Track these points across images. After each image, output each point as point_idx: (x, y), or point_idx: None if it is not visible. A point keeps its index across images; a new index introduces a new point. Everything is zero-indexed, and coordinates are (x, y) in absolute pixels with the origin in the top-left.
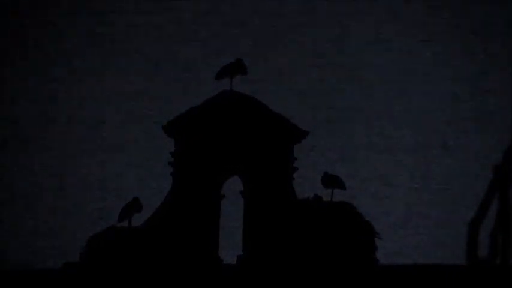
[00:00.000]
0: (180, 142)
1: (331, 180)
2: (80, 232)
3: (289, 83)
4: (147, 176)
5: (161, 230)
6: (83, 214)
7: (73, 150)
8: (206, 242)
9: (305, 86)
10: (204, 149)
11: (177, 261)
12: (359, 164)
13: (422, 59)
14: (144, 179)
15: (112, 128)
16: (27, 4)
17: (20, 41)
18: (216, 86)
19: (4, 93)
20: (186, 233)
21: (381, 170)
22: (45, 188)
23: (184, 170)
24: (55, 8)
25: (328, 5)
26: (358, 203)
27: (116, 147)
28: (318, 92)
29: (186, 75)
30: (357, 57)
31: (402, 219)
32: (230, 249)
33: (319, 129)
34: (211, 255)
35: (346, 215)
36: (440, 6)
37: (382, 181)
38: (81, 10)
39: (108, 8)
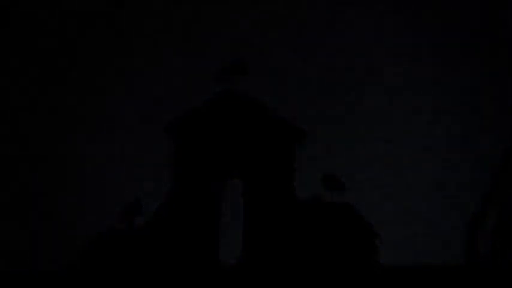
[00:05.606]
0: (180, 142)
1: (331, 181)
2: (80, 232)
3: (289, 83)
4: (147, 176)
5: (161, 230)
6: (83, 214)
7: (73, 150)
8: (206, 242)
9: (305, 85)
10: (204, 149)
11: (177, 261)
12: (359, 165)
13: (423, 61)
14: (144, 179)
15: (112, 128)
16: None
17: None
18: (216, 86)
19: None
20: (186, 234)
21: (381, 170)
22: (44, 188)
23: (184, 171)
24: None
25: (329, 4)
26: (358, 204)
27: (116, 147)
28: (318, 92)
29: (186, 75)
30: (358, 57)
31: (402, 220)
32: (230, 249)
33: (319, 129)
34: (211, 256)
35: (346, 216)
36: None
37: (382, 181)
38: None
39: (106, 7)
